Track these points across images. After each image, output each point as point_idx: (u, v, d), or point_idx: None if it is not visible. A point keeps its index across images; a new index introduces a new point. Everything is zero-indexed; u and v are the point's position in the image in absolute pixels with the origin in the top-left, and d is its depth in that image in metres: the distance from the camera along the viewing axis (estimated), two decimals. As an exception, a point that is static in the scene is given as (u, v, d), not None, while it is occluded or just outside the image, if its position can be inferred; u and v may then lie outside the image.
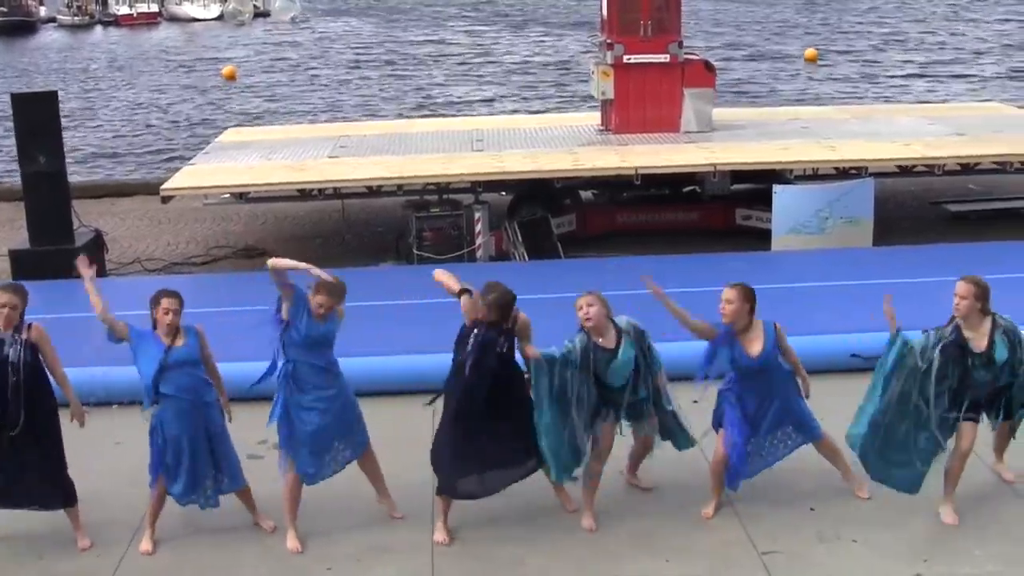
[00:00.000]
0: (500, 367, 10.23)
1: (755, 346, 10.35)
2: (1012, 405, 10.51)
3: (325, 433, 10.33)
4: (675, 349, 11.47)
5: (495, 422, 10.24)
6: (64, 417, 10.40)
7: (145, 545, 10.33)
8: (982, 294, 10.24)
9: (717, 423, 10.74)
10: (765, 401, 10.53)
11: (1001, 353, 10.18)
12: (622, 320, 10.54)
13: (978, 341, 10.23)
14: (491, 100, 50.22)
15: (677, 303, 10.51)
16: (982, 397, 10.36)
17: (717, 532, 10.45)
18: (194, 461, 10.22)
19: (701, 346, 10.69)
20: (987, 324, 10.27)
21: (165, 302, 10.39)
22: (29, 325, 10.19)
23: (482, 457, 10.31)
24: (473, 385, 10.12)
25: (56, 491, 10.38)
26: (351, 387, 10.68)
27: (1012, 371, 10.32)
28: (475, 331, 10.12)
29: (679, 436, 10.89)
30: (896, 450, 10.38)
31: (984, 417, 10.54)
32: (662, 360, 10.77)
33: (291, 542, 10.30)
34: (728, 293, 10.34)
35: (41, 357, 10.23)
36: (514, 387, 10.41)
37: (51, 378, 10.36)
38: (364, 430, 10.67)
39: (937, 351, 10.16)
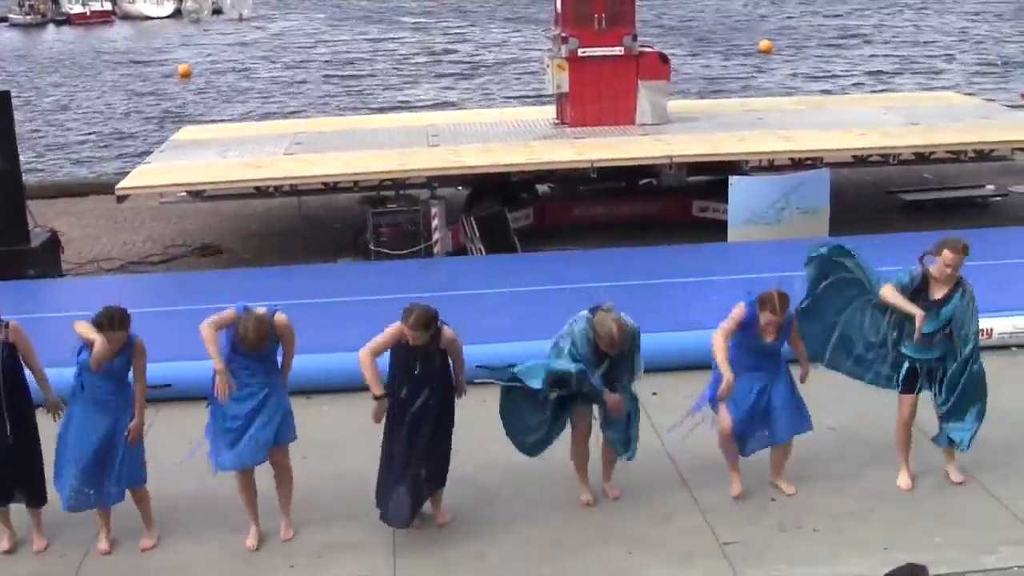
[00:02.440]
0: (436, 389, 10.29)
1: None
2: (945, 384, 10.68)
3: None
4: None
5: (423, 440, 10.25)
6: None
7: (102, 545, 10.32)
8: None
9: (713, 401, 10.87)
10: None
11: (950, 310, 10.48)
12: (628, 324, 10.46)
13: (937, 292, 10.48)
14: (446, 96, 50.10)
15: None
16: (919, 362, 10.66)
17: (679, 523, 10.49)
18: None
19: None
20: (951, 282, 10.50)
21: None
22: (6, 324, 10.13)
23: (403, 478, 10.28)
24: (413, 411, 10.18)
25: (32, 488, 10.37)
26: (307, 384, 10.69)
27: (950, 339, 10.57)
28: (410, 359, 10.12)
29: (622, 442, 10.89)
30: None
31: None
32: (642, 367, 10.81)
33: (250, 539, 10.32)
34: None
35: (20, 355, 10.21)
36: (446, 403, 10.44)
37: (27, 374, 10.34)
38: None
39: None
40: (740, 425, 10.72)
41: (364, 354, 10.06)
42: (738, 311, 10.50)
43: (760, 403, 10.66)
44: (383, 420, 10.18)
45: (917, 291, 10.51)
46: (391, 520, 10.22)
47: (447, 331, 10.22)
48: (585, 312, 10.43)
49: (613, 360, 10.42)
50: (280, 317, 10.16)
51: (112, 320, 9.92)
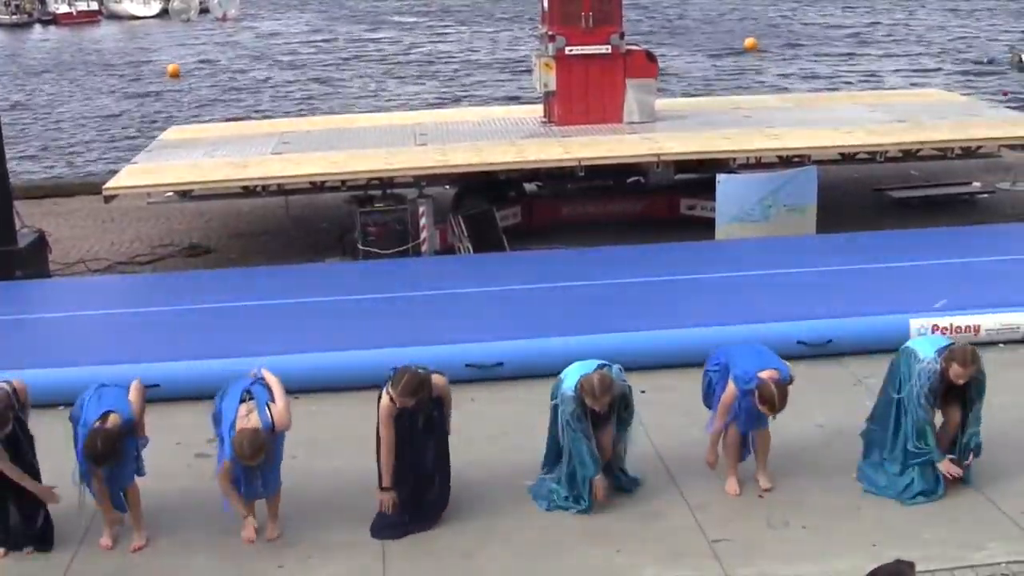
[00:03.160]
0: (438, 441, 10.51)
1: None
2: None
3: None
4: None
5: (426, 485, 10.49)
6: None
7: (104, 540, 10.35)
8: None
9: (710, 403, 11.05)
10: None
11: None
12: (616, 387, 10.49)
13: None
14: (434, 96, 50.05)
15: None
16: None
17: (667, 521, 10.48)
18: None
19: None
20: None
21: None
22: (11, 386, 10.17)
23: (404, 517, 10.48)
24: (417, 463, 10.39)
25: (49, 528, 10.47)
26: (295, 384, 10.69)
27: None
28: (408, 420, 10.22)
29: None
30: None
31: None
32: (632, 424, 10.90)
33: (246, 531, 10.35)
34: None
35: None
36: (445, 448, 10.60)
37: None
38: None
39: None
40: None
41: (384, 450, 10.24)
42: (730, 397, 10.62)
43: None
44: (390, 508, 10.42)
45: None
46: (382, 536, 10.38)
47: (437, 378, 10.34)
48: (570, 392, 10.47)
49: (605, 417, 10.56)
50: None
51: (101, 456, 9.84)
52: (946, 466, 10.57)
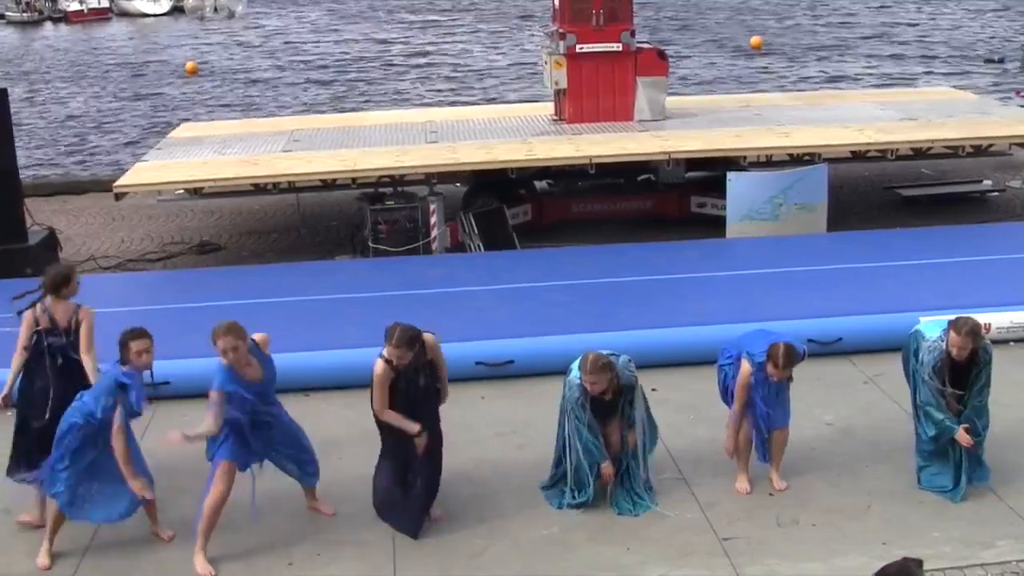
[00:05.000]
0: (424, 401, 10.39)
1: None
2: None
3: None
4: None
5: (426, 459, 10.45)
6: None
7: (43, 560, 10.17)
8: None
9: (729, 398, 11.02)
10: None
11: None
12: (623, 375, 10.48)
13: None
14: (444, 95, 50.05)
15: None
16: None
17: (677, 519, 10.47)
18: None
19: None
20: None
21: (136, 344, 9.80)
22: None
23: (411, 495, 10.45)
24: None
25: None
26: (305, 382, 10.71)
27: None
28: (401, 378, 10.15)
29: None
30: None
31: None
32: (642, 418, 10.80)
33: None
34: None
35: None
36: (433, 408, 10.56)
37: None
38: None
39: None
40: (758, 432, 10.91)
41: (383, 412, 10.19)
42: (745, 375, 10.61)
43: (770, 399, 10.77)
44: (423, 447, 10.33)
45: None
46: (406, 531, 10.36)
47: (428, 337, 10.28)
48: (576, 380, 10.46)
49: (610, 405, 10.56)
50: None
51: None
52: (962, 436, 10.48)
